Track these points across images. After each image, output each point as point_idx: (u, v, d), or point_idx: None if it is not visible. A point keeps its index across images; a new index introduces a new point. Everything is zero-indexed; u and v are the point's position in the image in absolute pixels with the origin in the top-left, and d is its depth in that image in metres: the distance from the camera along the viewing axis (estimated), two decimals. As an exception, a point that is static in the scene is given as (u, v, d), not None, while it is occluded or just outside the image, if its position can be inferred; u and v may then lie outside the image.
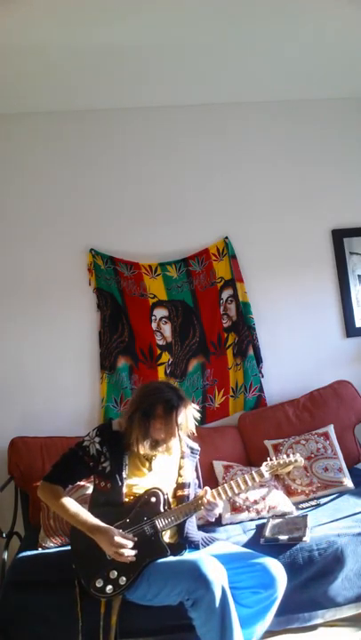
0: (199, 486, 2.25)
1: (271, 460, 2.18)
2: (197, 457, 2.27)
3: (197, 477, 2.26)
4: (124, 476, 2.07)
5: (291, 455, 2.17)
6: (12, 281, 3.13)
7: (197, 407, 2.20)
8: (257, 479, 2.13)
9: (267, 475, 2.14)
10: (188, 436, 2.19)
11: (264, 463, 2.17)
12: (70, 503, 2.05)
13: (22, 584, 2.19)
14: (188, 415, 2.11)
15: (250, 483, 2.12)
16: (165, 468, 2.18)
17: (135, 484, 2.09)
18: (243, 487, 2.12)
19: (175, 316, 3.22)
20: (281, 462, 2.16)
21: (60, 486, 2.09)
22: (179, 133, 3.34)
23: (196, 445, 2.25)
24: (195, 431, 2.17)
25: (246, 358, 3.17)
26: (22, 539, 2.73)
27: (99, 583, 1.94)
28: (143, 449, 2.08)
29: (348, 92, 3.42)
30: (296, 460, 2.15)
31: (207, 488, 2.10)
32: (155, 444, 2.08)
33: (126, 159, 3.28)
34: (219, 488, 2.10)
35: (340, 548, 2.25)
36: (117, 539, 1.92)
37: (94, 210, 3.22)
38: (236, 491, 2.12)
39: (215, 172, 3.34)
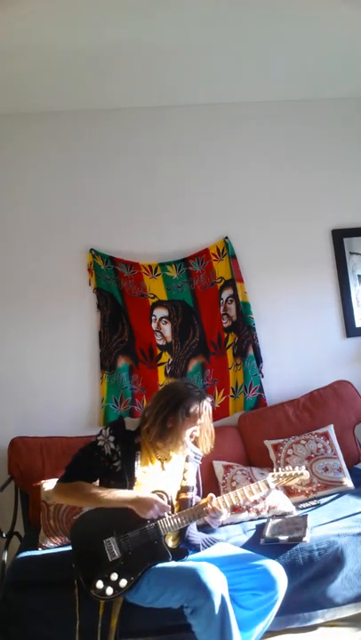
0: (198, 494, 2.23)
1: (277, 470, 2.18)
2: (199, 462, 2.27)
3: (197, 485, 2.24)
4: (135, 476, 2.06)
5: (297, 468, 2.18)
6: (12, 281, 3.12)
7: None
8: (263, 490, 2.14)
9: (273, 486, 2.15)
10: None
11: (270, 474, 2.17)
12: (100, 488, 2.03)
13: (22, 584, 2.19)
14: None
15: (255, 493, 2.13)
16: (172, 470, 2.17)
17: (143, 483, 2.08)
18: (248, 497, 2.13)
19: (175, 315, 3.22)
20: (287, 474, 2.16)
21: (79, 481, 2.05)
22: (179, 133, 3.33)
23: (198, 450, 2.24)
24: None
25: (246, 358, 3.17)
26: (22, 539, 2.73)
27: (99, 585, 1.94)
28: (174, 451, 2.09)
29: (348, 91, 3.42)
30: (302, 474, 2.16)
31: (212, 495, 2.09)
32: (181, 445, 2.09)
33: (126, 159, 3.28)
34: (224, 496, 2.09)
35: (341, 547, 2.25)
36: (160, 502, 1.98)
37: (94, 210, 3.22)
38: (242, 500, 2.12)
39: (215, 172, 3.34)
